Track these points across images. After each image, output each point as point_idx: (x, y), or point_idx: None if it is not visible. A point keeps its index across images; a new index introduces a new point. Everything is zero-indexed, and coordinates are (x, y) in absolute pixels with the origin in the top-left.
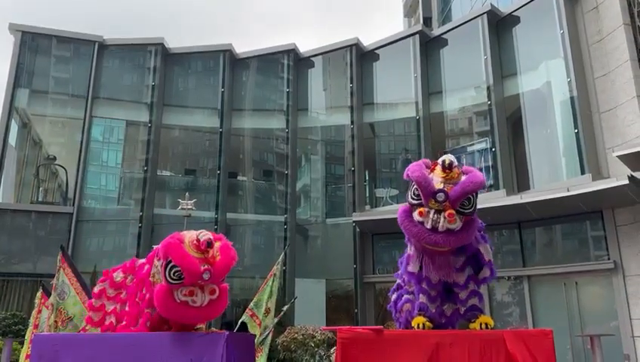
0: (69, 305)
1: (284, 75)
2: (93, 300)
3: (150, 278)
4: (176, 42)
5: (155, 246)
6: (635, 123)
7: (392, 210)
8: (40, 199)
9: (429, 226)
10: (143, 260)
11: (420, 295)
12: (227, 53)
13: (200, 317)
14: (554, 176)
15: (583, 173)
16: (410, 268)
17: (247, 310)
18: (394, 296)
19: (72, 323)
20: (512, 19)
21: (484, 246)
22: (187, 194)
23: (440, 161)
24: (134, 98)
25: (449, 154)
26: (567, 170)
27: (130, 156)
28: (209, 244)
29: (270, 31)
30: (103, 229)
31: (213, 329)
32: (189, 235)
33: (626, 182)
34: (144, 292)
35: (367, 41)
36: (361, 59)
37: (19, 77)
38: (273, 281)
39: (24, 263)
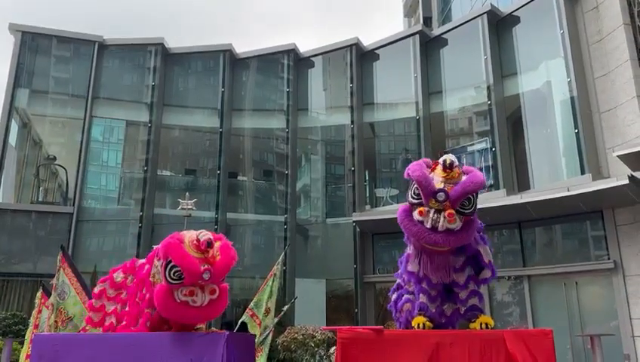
0: (69, 305)
1: (284, 74)
2: (93, 300)
3: (150, 278)
4: (176, 42)
5: (155, 247)
6: (635, 123)
7: (392, 210)
8: (40, 199)
9: (428, 226)
10: (143, 260)
11: (420, 294)
12: (227, 53)
13: (200, 317)
14: (554, 175)
15: (583, 172)
16: (410, 268)
17: (247, 310)
18: (394, 296)
19: (72, 323)
20: (512, 19)
21: (483, 248)
22: (187, 194)
23: (441, 160)
24: (134, 98)
25: (450, 154)
26: (567, 170)
27: (130, 156)
28: (209, 244)
29: (270, 31)
30: (103, 229)
31: (214, 329)
32: (189, 235)
33: (626, 182)
34: (144, 292)
35: (367, 41)
36: (361, 59)
37: (19, 77)
38: (273, 281)
39: (24, 263)
